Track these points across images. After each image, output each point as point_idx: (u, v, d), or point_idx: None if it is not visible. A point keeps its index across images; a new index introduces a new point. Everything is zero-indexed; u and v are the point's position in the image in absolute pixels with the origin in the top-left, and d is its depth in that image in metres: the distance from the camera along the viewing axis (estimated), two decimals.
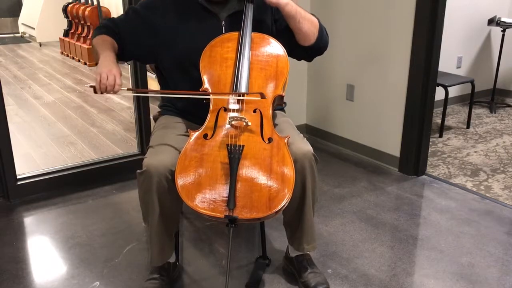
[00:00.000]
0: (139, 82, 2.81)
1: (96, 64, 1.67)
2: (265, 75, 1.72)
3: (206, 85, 1.69)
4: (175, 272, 1.93)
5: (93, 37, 1.79)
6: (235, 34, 1.76)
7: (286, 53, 1.75)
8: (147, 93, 1.70)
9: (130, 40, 1.80)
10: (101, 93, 1.59)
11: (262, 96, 1.64)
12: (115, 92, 1.60)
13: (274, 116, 1.75)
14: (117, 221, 2.42)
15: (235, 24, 1.78)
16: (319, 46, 1.82)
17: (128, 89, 1.72)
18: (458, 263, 2.09)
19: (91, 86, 1.61)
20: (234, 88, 1.67)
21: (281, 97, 1.74)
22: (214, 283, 1.95)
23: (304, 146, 1.72)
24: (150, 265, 1.86)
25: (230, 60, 1.72)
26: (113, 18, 1.87)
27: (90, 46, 6.25)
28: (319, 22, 1.80)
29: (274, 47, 1.76)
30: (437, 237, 2.29)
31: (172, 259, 1.87)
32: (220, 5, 1.80)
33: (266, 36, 1.78)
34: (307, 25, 1.74)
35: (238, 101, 1.67)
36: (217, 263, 2.08)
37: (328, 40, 1.85)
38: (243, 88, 1.67)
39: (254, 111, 1.66)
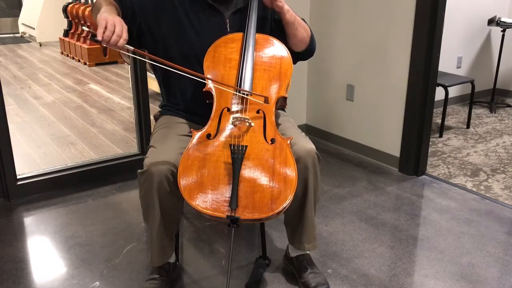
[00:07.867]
0: (139, 82, 2.82)
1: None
2: (269, 76, 1.72)
3: (210, 85, 1.69)
4: (175, 272, 1.93)
5: None
6: (239, 35, 1.76)
7: (289, 55, 1.76)
8: (146, 57, 1.56)
9: (134, 12, 1.71)
10: (103, 42, 1.40)
11: (266, 101, 1.64)
12: (118, 47, 1.44)
13: (276, 116, 1.75)
14: (117, 221, 2.42)
15: (239, 21, 1.79)
16: (307, 53, 1.89)
17: (135, 49, 1.47)
18: (458, 263, 2.09)
19: (90, 32, 1.41)
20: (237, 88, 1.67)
21: (284, 98, 1.74)
22: (214, 283, 1.95)
23: (307, 144, 1.73)
24: (150, 265, 1.86)
25: (234, 61, 1.72)
26: None
27: (89, 46, 6.28)
28: (310, 29, 1.86)
29: (278, 49, 1.77)
30: (437, 237, 2.29)
31: (172, 259, 1.87)
32: (225, 3, 1.80)
33: (271, 37, 1.79)
34: (302, 32, 1.80)
35: (242, 102, 1.67)
36: (217, 263, 2.08)
37: (315, 47, 1.91)
38: (246, 89, 1.67)
39: (258, 111, 1.66)
